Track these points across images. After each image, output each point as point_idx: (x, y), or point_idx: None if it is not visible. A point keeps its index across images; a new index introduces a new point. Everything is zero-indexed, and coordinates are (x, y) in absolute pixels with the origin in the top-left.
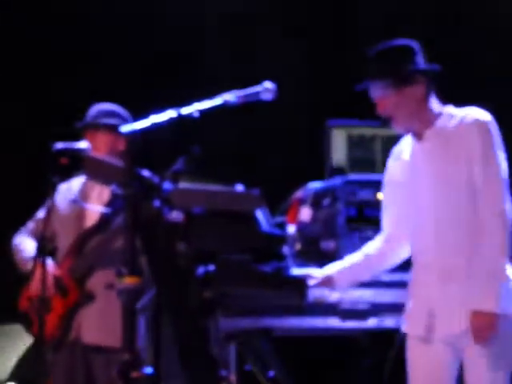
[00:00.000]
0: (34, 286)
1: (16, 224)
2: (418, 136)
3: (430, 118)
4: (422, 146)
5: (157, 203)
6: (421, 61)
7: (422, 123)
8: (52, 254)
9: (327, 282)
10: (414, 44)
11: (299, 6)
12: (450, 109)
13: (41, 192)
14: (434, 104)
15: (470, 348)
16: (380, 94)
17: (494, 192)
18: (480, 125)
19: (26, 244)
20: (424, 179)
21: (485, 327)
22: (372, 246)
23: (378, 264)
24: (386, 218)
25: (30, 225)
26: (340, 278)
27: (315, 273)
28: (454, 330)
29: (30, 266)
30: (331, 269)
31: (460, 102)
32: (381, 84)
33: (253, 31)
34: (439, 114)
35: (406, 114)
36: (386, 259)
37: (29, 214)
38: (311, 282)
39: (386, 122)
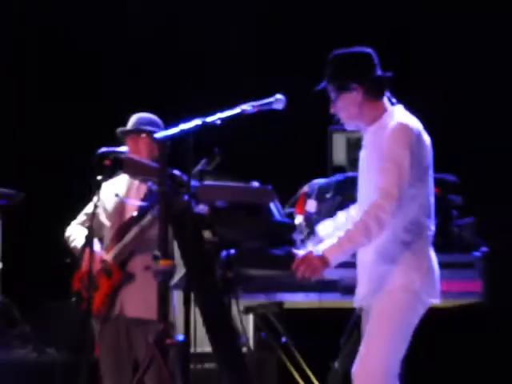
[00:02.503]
0: (84, 269)
1: (69, 217)
2: (364, 131)
3: (373, 117)
4: (365, 139)
5: (186, 198)
6: (364, 69)
7: (365, 122)
8: (100, 241)
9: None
10: (365, 53)
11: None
12: (396, 109)
13: (87, 189)
14: (378, 104)
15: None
16: (330, 95)
17: (384, 179)
18: (393, 128)
19: (77, 234)
20: (362, 167)
21: (312, 266)
22: (353, 211)
23: None
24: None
25: (81, 217)
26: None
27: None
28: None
29: (80, 252)
30: (321, 230)
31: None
32: (328, 88)
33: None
34: (383, 113)
35: (348, 116)
36: None
37: (79, 208)
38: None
39: (337, 120)
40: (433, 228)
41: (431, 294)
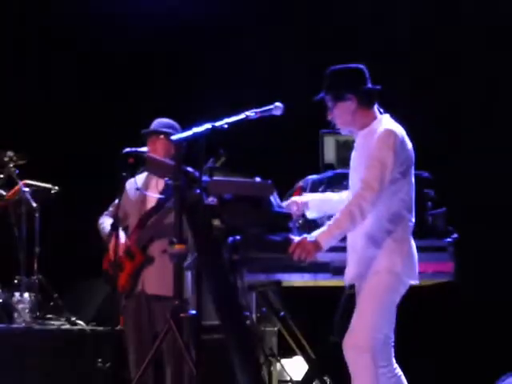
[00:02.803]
0: (111, 253)
1: (98, 209)
2: (356, 135)
3: (364, 123)
4: (357, 142)
5: (198, 191)
6: (357, 82)
7: (358, 127)
8: (125, 229)
9: (304, 205)
10: (358, 68)
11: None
12: (384, 117)
13: (115, 183)
14: (369, 112)
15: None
16: (327, 103)
17: (368, 174)
18: (381, 134)
19: (106, 223)
20: (353, 165)
21: (307, 249)
22: (343, 195)
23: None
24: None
25: (110, 209)
26: (313, 205)
27: (297, 199)
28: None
29: (108, 238)
30: (309, 196)
31: None
32: (325, 98)
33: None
34: (373, 120)
35: (342, 122)
36: None
37: (110, 200)
38: (293, 204)
39: (333, 126)
40: (413, 220)
41: (411, 276)
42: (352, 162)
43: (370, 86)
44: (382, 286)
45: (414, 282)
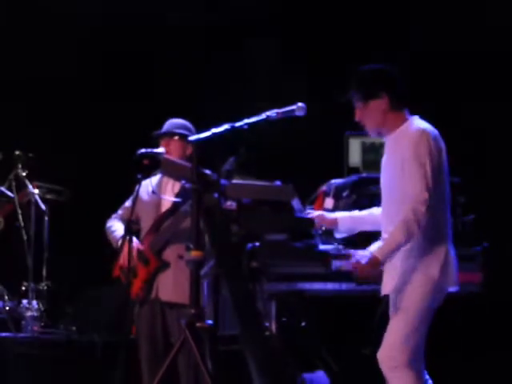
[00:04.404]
0: (123, 258)
1: (108, 212)
2: (387, 139)
3: (394, 125)
4: (387, 145)
5: (215, 195)
6: (390, 81)
7: (388, 129)
8: (137, 233)
9: (333, 223)
10: (389, 68)
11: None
12: (415, 118)
13: (127, 186)
14: (400, 114)
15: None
16: (355, 104)
17: (415, 185)
18: (413, 134)
19: (116, 226)
20: (385, 170)
21: (367, 265)
22: (375, 211)
23: (372, 225)
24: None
25: (120, 212)
26: (342, 223)
27: (326, 215)
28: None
29: (119, 243)
30: (339, 214)
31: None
32: (355, 97)
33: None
34: (404, 122)
35: (372, 123)
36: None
37: (118, 203)
38: (322, 219)
39: (362, 128)
40: (450, 225)
41: (449, 283)
42: (383, 168)
43: (402, 87)
44: (419, 294)
45: (453, 288)
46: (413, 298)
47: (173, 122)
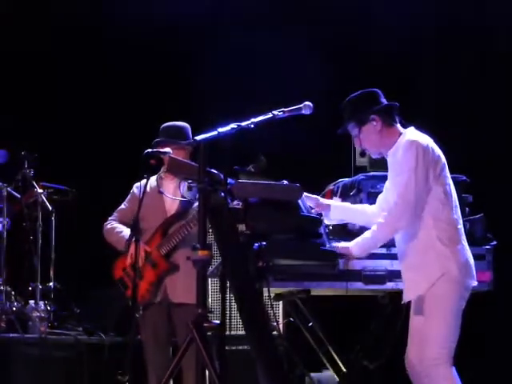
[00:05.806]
0: (129, 259)
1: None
2: (387, 156)
3: (391, 141)
4: (388, 163)
5: (222, 194)
6: (376, 102)
7: (386, 147)
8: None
9: (326, 208)
10: (373, 91)
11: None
12: (408, 131)
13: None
14: (394, 130)
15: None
16: (352, 133)
17: (400, 187)
18: (404, 145)
19: (121, 227)
20: (388, 185)
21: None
22: (368, 208)
23: (362, 219)
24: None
25: (116, 214)
26: (334, 210)
27: (322, 200)
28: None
29: (124, 244)
30: (333, 202)
31: None
32: (350, 126)
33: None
34: (398, 136)
35: (371, 145)
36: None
37: (116, 204)
38: (316, 204)
39: (363, 153)
40: (461, 222)
41: (470, 277)
42: (387, 183)
43: (387, 102)
44: (443, 295)
45: (474, 283)
46: (437, 298)
47: (167, 130)
